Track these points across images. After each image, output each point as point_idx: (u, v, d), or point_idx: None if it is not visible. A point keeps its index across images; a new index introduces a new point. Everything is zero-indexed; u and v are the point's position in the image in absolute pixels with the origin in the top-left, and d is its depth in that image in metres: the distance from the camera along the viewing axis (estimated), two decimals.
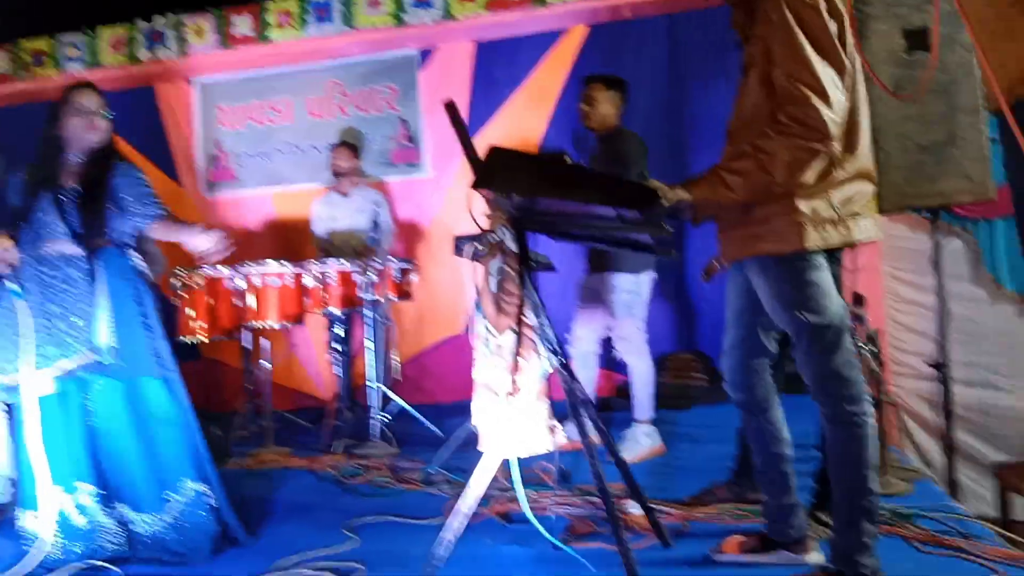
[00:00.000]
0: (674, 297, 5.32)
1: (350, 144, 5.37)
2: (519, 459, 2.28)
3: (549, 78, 5.65)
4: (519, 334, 2.17)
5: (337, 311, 4.49)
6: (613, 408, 4.69)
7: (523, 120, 5.67)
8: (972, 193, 3.11)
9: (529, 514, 2.36)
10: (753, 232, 2.06)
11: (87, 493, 2.75)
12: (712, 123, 3.98)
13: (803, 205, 2.00)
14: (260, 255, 5.67)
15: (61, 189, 2.85)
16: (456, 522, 2.25)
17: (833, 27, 1.96)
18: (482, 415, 2.27)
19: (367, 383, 4.51)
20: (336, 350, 5.05)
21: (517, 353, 2.21)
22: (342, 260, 4.46)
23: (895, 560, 2.25)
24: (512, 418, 2.21)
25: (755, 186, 1.97)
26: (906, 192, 3.13)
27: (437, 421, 4.45)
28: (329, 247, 5.19)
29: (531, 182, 1.72)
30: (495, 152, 1.83)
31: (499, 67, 5.74)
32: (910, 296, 4.48)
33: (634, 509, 2.80)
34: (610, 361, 4.57)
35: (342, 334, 5.05)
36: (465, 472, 3.35)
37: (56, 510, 2.72)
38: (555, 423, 3.50)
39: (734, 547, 2.42)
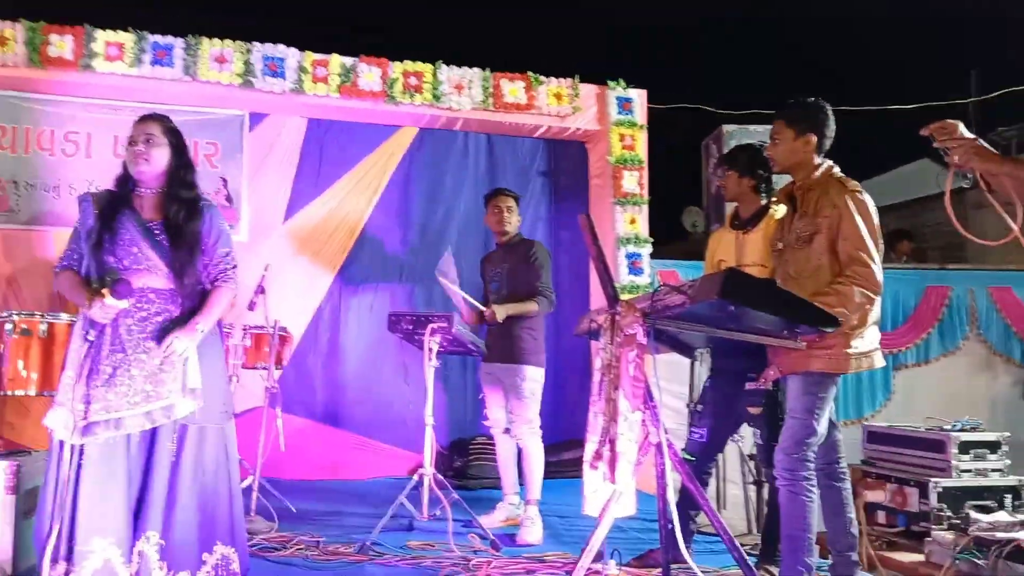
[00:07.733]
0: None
1: None
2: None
3: (377, 168, 5.99)
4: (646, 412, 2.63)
5: None
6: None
7: (349, 202, 5.90)
8: None
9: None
10: (810, 354, 2.81)
11: (153, 544, 2.53)
12: None
13: (854, 340, 2.82)
14: (30, 302, 5.00)
15: (148, 221, 2.72)
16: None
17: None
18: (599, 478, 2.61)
19: None
20: None
21: (644, 426, 2.65)
22: None
23: None
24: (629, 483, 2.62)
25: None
26: None
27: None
28: None
29: (760, 298, 2.30)
30: (735, 273, 2.41)
31: (329, 148, 5.91)
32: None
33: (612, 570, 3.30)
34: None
35: None
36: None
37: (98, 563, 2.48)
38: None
39: None
